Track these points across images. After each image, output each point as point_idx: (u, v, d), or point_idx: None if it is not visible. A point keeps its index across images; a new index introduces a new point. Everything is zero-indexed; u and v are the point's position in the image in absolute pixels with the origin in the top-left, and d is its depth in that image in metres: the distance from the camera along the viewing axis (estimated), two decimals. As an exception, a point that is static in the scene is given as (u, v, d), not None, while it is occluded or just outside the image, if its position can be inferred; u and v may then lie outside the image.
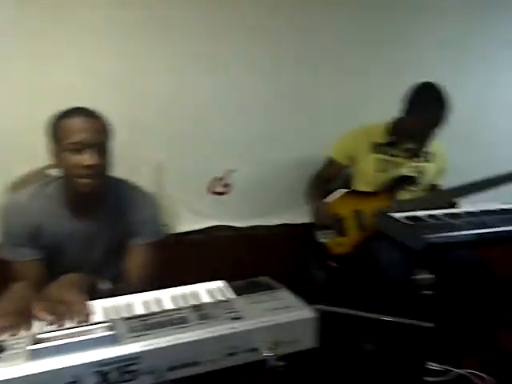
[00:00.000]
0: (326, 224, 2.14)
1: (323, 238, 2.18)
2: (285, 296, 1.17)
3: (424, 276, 1.97)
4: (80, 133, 1.31)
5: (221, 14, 2.16)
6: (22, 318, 1.07)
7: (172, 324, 1.03)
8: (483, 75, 2.58)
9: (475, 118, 2.60)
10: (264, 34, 2.24)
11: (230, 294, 1.22)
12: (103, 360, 0.92)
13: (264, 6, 2.21)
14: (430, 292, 2.10)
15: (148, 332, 1.00)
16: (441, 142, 2.20)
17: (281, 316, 1.06)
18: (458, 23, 2.48)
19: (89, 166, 1.32)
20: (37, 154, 1.47)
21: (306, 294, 2.40)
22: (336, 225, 2.13)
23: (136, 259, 1.50)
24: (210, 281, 1.37)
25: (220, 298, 1.21)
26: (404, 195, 2.13)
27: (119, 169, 1.89)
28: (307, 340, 1.07)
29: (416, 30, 2.45)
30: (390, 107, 2.10)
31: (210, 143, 2.28)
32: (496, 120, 2.63)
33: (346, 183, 2.28)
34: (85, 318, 1.08)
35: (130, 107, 2.11)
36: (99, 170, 1.35)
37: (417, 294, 1.89)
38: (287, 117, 2.36)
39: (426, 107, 1.98)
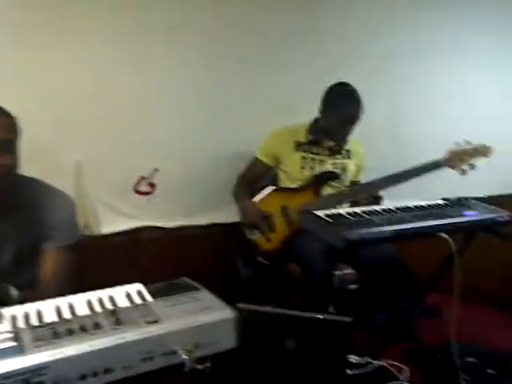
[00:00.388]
0: (253, 222, 2.15)
1: (252, 234, 2.19)
2: (204, 297, 1.15)
3: (346, 271, 2.05)
4: None
5: (144, 13, 2.11)
6: None
7: (83, 331, 0.98)
8: (402, 74, 2.69)
9: (395, 116, 2.70)
10: (188, 33, 2.21)
11: (148, 297, 1.18)
12: (6, 373, 0.86)
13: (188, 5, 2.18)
14: (354, 286, 2.20)
15: (56, 340, 0.94)
16: (357, 140, 2.29)
17: (199, 317, 1.04)
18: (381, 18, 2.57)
19: None
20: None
21: (235, 293, 2.42)
22: (264, 222, 2.14)
23: (50, 263, 1.42)
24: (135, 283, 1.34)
25: (137, 301, 1.17)
26: (328, 191, 2.19)
27: (40, 168, 1.81)
28: (227, 340, 1.06)
29: (340, 26, 2.50)
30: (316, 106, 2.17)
31: (134, 142, 2.21)
32: (414, 118, 2.76)
33: (274, 181, 2.30)
34: None
35: (53, 107, 2.02)
36: (6, 169, 1.27)
37: (339, 289, 1.95)
38: (214, 115, 2.34)
39: (339, 106, 2.08)
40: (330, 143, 2.20)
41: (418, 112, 2.75)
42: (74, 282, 1.53)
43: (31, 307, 1.12)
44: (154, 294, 1.19)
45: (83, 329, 0.99)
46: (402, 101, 2.70)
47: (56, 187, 1.49)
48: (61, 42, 2.01)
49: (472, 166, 2.02)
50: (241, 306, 1.33)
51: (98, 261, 2.18)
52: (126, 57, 2.12)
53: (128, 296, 1.21)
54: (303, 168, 2.19)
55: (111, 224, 2.26)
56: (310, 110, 2.19)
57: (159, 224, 2.35)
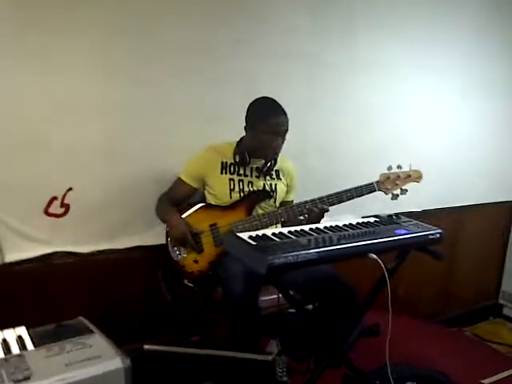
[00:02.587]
0: (182, 238, 1.99)
1: (178, 255, 2.02)
2: (95, 343, 0.98)
3: (272, 296, 1.91)
4: None
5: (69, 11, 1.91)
6: None
7: None
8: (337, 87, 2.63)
9: (334, 130, 2.64)
10: (107, 39, 2.01)
11: (29, 345, 0.99)
12: None
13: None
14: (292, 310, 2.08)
15: None
16: (287, 159, 2.20)
17: (82, 371, 0.87)
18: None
19: None
20: None
21: (157, 321, 2.23)
22: (192, 240, 1.99)
23: None
24: (35, 318, 1.15)
25: (15, 351, 0.98)
26: (259, 211, 2.07)
27: None
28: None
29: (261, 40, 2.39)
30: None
31: (43, 158, 1.98)
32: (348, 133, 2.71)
33: (202, 199, 2.15)
34: None
35: None
36: None
37: (258, 314, 1.81)
38: (134, 129, 2.14)
39: (263, 119, 1.97)
40: (259, 163, 2.08)
41: (351, 127, 2.70)
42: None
43: None
44: (36, 341, 1.00)
45: None
46: (335, 115, 2.64)
47: None
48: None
49: (404, 191, 1.99)
50: (148, 346, 1.16)
51: (3, 293, 1.94)
52: (34, 62, 1.90)
53: (4, 343, 1.01)
54: (232, 190, 2.06)
55: (17, 250, 2.00)
56: (230, 126, 2.10)
57: (73, 249, 2.11)
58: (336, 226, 1.68)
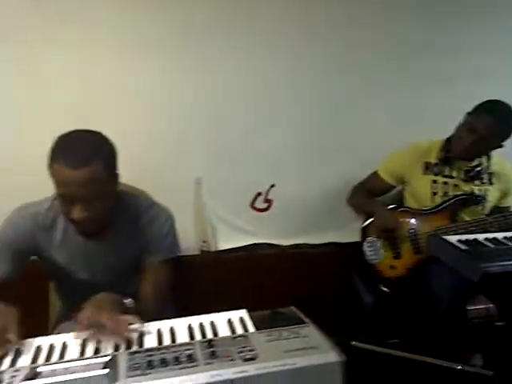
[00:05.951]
0: (390, 228, 1.93)
1: (374, 256, 1.99)
2: (309, 333, 1.03)
3: (480, 306, 1.75)
4: (64, 186, 1.20)
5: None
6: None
7: (177, 362, 0.93)
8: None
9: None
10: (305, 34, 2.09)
11: (250, 327, 1.10)
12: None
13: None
14: (500, 323, 1.88)
15: (148, 371, 0.90)
16: (506, 162, 1.97)
17: (301, 359, 0.92)
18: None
19: (78, 219, 1.24)
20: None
21: (351, 321, 2.24)
22: (392, 242, 1.94)
23: (150, 278, 1.40)
24: (243, 302, 1.27)
25: (239, 331, 1.09)
26: (465, 218, 1.91)
27: (158, 183, 1.85)
28: (332, 388, 0.93)
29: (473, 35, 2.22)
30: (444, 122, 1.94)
31: (251, 157, 2.17)
32: None
33: (397, 200, 2.09)
34: (127, 340, 1.07)
35: (169, 121, 2.05)
36: (92, 219, 1.25)
37: (469, 327, 1.67)
38: (334, 128, 2.20)
39: (469, 115, 1.82)
40: (468, 164, 1.92)
41: None
42: (186, 297, 1.53)
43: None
44: (256, 325, 1.10)
45: (177, 360, 0.93)
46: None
47: (156, 201, 1.49)
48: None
49: None
50: (355, 343, 1.18)
51: (212, 277, 2.18)
52: (240, 74, 2.08)
53: (230, 324, 1.14)
54: (435, 194, 1.93)
55: (228, 240, 2.23)
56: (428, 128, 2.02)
57: (275, 241, 2.27)
58: None
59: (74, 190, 1.19)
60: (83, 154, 1.19)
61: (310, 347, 0.96)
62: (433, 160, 1.95)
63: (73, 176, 1.17)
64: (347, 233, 2.24)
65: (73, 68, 1.90)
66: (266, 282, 2.25)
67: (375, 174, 2.07)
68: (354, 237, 2.13)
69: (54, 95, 1.90)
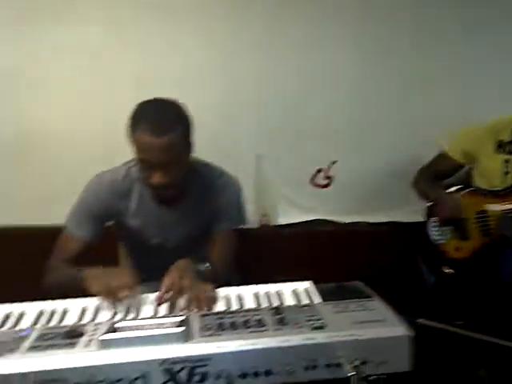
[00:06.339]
0: (456, 217, 1.87)
1: (439, 237, 1.93)
2: (377, 307, 1.03)
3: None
4: (146, 152, 1.24)
5: None
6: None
7: (247, 326, 0.96)
8: None
9: None
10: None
11: (316, 299, 1.11)
12: (171, 358, 0.87)
13: None
14: None
15: (221, 332, 0.93)
16: None
17: (369, 330, 0.93)
18: None
19: (158, 184, 1.28)
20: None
21: (412, 302, 2.20)
22: (458, 225, 1.88)
23: (218, 246, 1.45)
24: (303, 276, 1.28)
25: (305, 301, 1.11)
26: None
27: (220, 159, 1.89)
28: (400, 362, 0.92)
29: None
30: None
31: (313, 132, 2.16)
32: None
33: (464, 181, 2.01)
34: (212, 305, 1.12)
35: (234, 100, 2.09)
36: (170, 185, 1.30)
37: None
38: (398, 104, 2.15)
39: None
40: None
41: None
42: (246, 268, 1.57)
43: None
44: (322, 296, 1.12)
45: (247, 324, 0.96)
46: None
47: (226, 170, 1.51)
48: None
49: None
50: (422, 321, 1.17)
51: (271, 250, 2.21)
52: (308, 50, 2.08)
53: (295, 294, 1.16)
54: (507, 174, 1.83)
55: (288, 215, 2.25)
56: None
57: (332, 218, 2.26)
58: None
59: (156, 156, 1.23)
60: (166, 122, 1.24)
61: (379, 320, 0.96)
62: (506, 138, 1.85)
63: (155, 142, 1.22)
64: (409, 212, 2.19)
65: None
66: (324, 258, 2.25)
67: (442, 155, 1.98)
68: (416, 217, 2.09)
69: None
